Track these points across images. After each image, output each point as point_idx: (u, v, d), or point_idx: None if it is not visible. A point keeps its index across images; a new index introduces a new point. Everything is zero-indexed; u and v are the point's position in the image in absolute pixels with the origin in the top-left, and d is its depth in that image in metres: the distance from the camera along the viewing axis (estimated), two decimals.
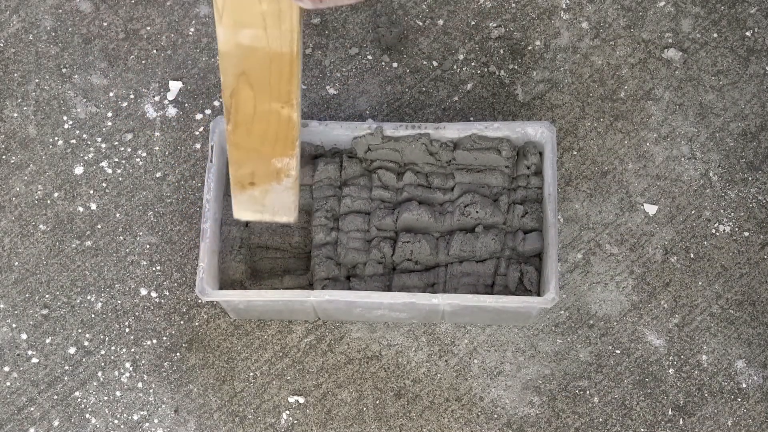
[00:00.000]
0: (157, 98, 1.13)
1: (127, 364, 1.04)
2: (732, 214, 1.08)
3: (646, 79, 1.13)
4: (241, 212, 0.90)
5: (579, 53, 1.14)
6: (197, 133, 1.12)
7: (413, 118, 1.12)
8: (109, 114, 1.13)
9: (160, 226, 1.09)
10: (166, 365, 1.04)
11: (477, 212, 1.01)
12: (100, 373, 1.04)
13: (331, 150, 1.05)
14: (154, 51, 1.15)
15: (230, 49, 0.73)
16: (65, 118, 1.13)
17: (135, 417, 1.03)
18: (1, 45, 1.16)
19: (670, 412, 1.02)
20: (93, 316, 1.06)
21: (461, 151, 1.03)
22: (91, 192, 1.10)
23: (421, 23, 1.16)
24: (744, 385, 1.03)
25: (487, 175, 1.03)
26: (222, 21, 0.70)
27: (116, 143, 1.12)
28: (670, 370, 1.04)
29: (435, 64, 1.14)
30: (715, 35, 1.15)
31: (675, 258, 1.07)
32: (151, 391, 1.04)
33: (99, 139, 1.12)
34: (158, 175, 1.11)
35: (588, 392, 1.03)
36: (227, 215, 1.03)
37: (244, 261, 1.01)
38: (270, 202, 0.89)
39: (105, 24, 1.16)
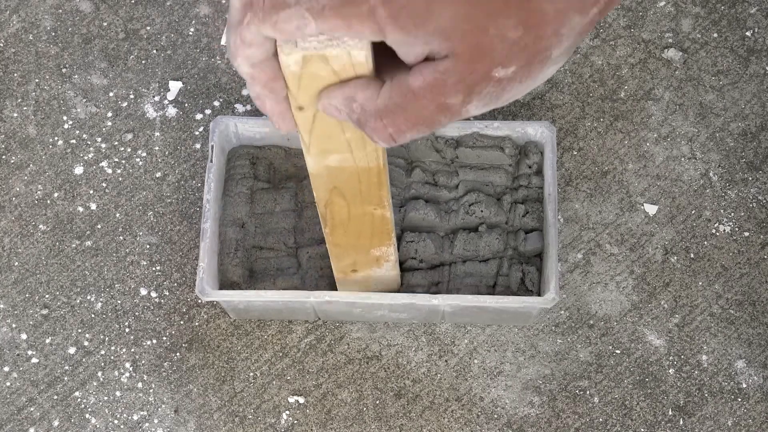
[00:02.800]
0: (157, 98, 1.13)
1: (127, 364, 1.04)
2: (732, 214, 1.08)
3: (646, 79, 1.13)
4: (345, 290, 0.98)
5: (579, 53, 1.14)
6: (197, 133, 1.12)
7: None
8: (109, 114, 1.13)
9: (160, 226, 1.09)
10: (166, 365, 1.04)
11: (481, 211, 1.02)
12: (100, 373, 1.04)
13: None
14: (154, 51, 1.15)
15: (320, 171, 0.76)
16: (65, 118, 1.13)
17: (135, 417, 1.03)
18: (1, 45, 1.16)
19: (670, 412, 1.02)
20: (93, 316, 1.06)
21: (464, 148, 1.03)
22: (91, 192, 1.10)
23: None
24: (744, 385, 1.03)
25: (490, 173, 1.03)
26: (310, 151, 0.73)
27: (116, 143, 1.12)
28: (670, 370, 1.04)
29: None
30: (715, 35, 1.15)
31: (675, 258, 1.07)
32: (151, 391, 1.04)
33: (99, 139, 1.12)
34: (158, 175, 1.11)
35: (588, 392, 1.03)
36: (224, 216, 1.03)
37: (241, 264, 1.01)
38: (374, 282, 0.96)
39: (105, 24, 1.16)
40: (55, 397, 1.04)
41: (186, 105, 1.13)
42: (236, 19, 0.60)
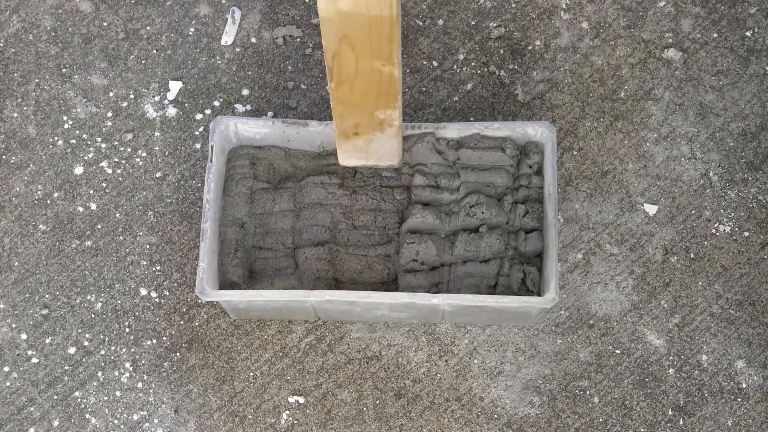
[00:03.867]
0: (157, 98, 1.13)
1: (127, 364, 1.04)
2: (732, 214, 1.08)
3: (646, 79, 1.13)
4: (346, 159, 0.95)
5: (579, 53, 1.14)
6: (197, 133, 1.12)
7: (413, 118, 1.12)
8: (109, 114, 1.13)
9: (160, 226, 1.09)
10: (166, 365, 1.04)
11: (482, 212, 1.01)
12: (100, 373, 1.04)
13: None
14: (154, 51, 1.15)
15: (331, 16, 0.75)
16: (65, 118, 1.13)
17: (135, 417, 1.03)
18: (1, 45, 1.16)
19: (670, 412, 1.02)
20: (93, 316, 1.06)
21: (465, 150, 1.03)
22: (91, 192, 1.10)
23: (421, 23, 1.16)
24: (744, 385, 1.03)
25: (492, 174, 1.03)
26: None
27: (116, 143, 1.12)
28: (670, 370, 1.04)
29: (435, 64, 1.14)
30: (715, 35, 1.15)
31: (675, 258, 1.07)
32: (151, 391, 1.04)
33: (99, 139, 1.12)
34: (158, 175, 1.11)
35: (588, 392, 1.03)
36: (224, 216, 1.03)
37: (241, 264, 1.01)
38: (374, 149, 0.94)
39: (105, 24, 1.16)
40: (55, 397, 1.04)
41: (186, 105, 1.13)
42: None
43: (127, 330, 1.05)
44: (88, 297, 1.06)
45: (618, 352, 1.04)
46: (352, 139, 0.92)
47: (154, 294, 1.07)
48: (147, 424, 1.03)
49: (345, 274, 1.02)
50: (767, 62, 1.14)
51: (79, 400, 1.04)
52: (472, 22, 1.15)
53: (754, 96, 1.13)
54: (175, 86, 1.14)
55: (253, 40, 1.16)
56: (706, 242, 1.08)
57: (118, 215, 1.09)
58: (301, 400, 1.03)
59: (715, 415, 1.02)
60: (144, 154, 1.11)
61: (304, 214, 1.03)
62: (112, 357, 1.05)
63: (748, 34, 1.15)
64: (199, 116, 1.13)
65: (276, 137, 1.04)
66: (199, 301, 1.06)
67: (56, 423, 1.03)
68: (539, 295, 0.99)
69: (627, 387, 1.03)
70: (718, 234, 1.08)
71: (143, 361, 1.04)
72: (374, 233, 1.03)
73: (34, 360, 1.05)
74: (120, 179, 1.10)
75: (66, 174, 1.11)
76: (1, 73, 1.14)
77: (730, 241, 1.08)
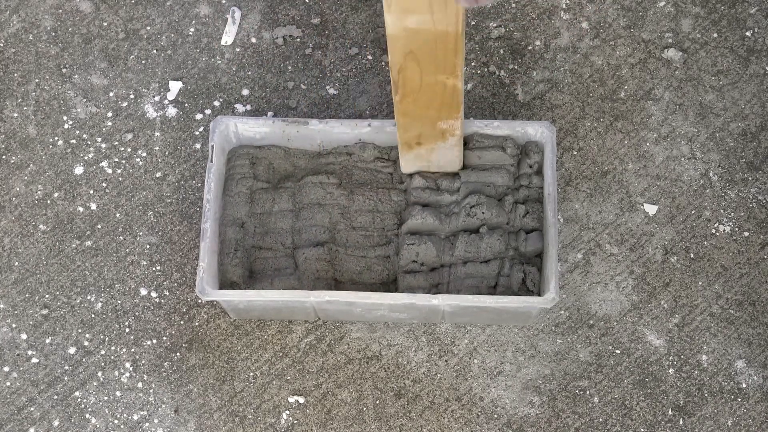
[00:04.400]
0: (157, 98, 1.13)
1: (127, 364, 1.04)
2: (732, 214, 1.08)
3: (646, 79, 1.13)
4: (408, 167, 0.98)
5: (579, 53, 1.14)
6: (197, 133, 1.12)
7: None
8: (109, 114, 1.13)
9: (160, 226, 1.09)
10: (166, 365, 1.04)
11: (483, 213, 1.01)
12: (100, 373, 1.04)
13: (336, 149, 1.05)
14: (154, 51, 1.15)
15: (398, 33, 0.77)
16: (65, 118, 1.13)
17: (135, 417, 1.03)
18: (1, 45, 1.16)
19: (670, 412, 1.02)
20: (93, 316, 1.06)
21: (466, 150, 1.03)
22: (91, 192, 1.10)
23: None
24: (744, 385, 1.03)
25: (492, 174, 1.03)
26: (390, 9, 0.74)
27: (116, 143, 1.12)
28: (670, 370, 1.04)
29: None
30: (715, 35, 1.15)
31: (675, 258, 1.07)
32: (151, 391, 1.04)
33: (99, 139, 1.12)
34: (158, 175, 1.11)
35: (588, 392, 1.03)
36: (224, 216, 1.03)
37: (241, 264, 1.01)
38: (436, 158, 0.96)
39: (105, 24, 1.16)
40: (55, 397, 1.04)
41: (186, 105, 1.13)
42: None
43: (127, 330, 1.05)
44: (88, 297, 1.06)
45: (618, 352, 1.04)
46: (414, 148, 0.94)
47: (154, 294, 1.07)
48: (147, 424, 1.03)
49: (344, 275, 1.02)
50: (767, 62, 1.14)
51: (79, 400, 1.03)
52: (472, 22, 1.15)
53: (754, 96, 1.13)
54: (175, 86, 1.14)
55: (253, 40, 1.16)
56: (706, 242, 1.08)
57: (118, 215, 1.09)
58: (301, 400, 1.03)
59: (715, 415, 1.02)
60: (144, 154, 1.11)
61: (303, 214, 1.03)
62: (112, 357, 1.05)
63: (748, 34, 1.15)
64: (199, 116, 1.13)
65: (276, 136, 1.04)
66: (199, 301, 1.06)
67: (56, 423, 1.03)
68: (539, 296, 0.99)
69: (627, 387, 1.03)
70: (718, 234, 1.08)
71: (143, 361, 1.04)
72: (373, 234, 1.03)
73: (34, 360, 1.05)
74: (120, 179, 1.10)
75: (66, 174, 1.11)
76: (1, 73, 1.14)
77: (730, 241, 1.08)
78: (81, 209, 1.10)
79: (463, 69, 0.81)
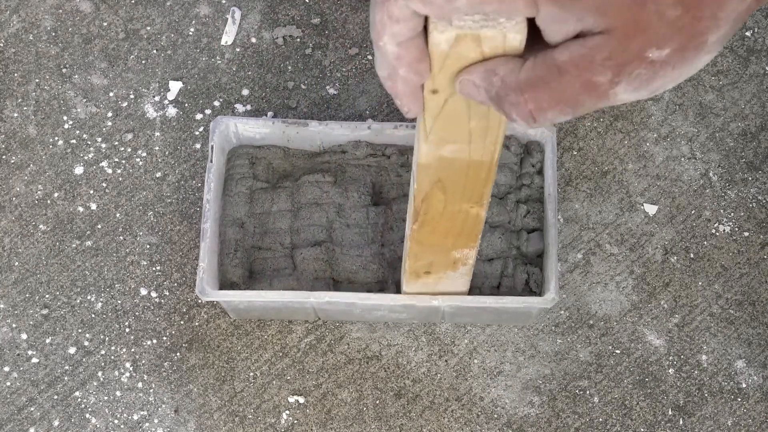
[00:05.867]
0: (157, 98, 1.13)
1: (127, 364, 1.04)
2: (732, 214, 1.09)
3: None
4: (411, 290, 0.95)
5: None
6: (197, 133, 1.12)
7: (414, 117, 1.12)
8: (109, 114, 1.13)
9: (160, 226, 1.09)
10: (166, 365, 1.04)
11: None
12: (100, 373, 1.04)
13: (331, 147, 1.05)
14: (154, 51, 1.15)
15: (431, 162, 0.73)
16: (65, 118, 1.13)
17: (135, 417, 1.03)
18: (1, 45, 1.16)
19: (670, 412, 1.02)
20: (93, 316, 1.06)
21: None
22: (91, 192, 1.10)
23: None
24: (744, 385, 1.03)
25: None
26: (428, 138, 0.70)
27: (116, 143, 1.12)
28: (670, 370, 1.04)
29: None
30: None
31: (675, 258, 1.07)
32: (151, 391, 1.04)
33: (99, 139, 1.12)
34: (158, 175, 1.11)
35: (588, 392, 1.03)
36: (224, 216, 1.03)
37: (241, 264, 1.01)
38: (442, 286, 0.93)
39: (105, 24, 1.16)
40: (56, 397, 1.04)
41: (186, 105, 1.13)
42: None
43: (127, 330, 1.05)
44: (88, 297, 1.06)
45: (618, 352, 1.04)
46: (422, 278, 0.91)
47: (154, 294, 1.07)
48: (147, 424, 1.03)
49: (341, 274, 1.02)
50: (767, 62, 1.14)
51: (79, 400, 1.04)
52: None
53: (754, 96, 1.13)
54: (175, 86, 1.14)
55: (253, 40, 1.16)
56: (706, 242, 1.08)
57: (118, 215, 1.09)
58: (301, 400, 1.03)
59: (715, 415, 1.02)
60: (144, 154, 1.11)
61: (301, 213, 1.03)
62: (112, 357, 1.05)
63: (748, 34, 1.15)
64: (199, 116, 1.13)
65: (276, 137, 1.04)
66: (199, 301, 1.06)
67: (56, 423, 1.03)
68: (540, 296, 1.00)
69: (627, 387, 1.03)
70: (718, 234, 1.08)
71: (143, 361, 1.04)
72: (367, 230, 1.02)
73: (34, 360, 1.05)
74: (120, 179, 1.10)
75: (66, 174, 1.11)
76: (1, 73, 1.14)
77: (730, 241, 1.08)
78: (81, 209, 1.10)
79: (489, 199, 0.77)
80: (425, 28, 0.59)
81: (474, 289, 1.00)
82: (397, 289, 1.00)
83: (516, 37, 0.58)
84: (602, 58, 0.55)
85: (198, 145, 1.12)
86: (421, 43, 0.60)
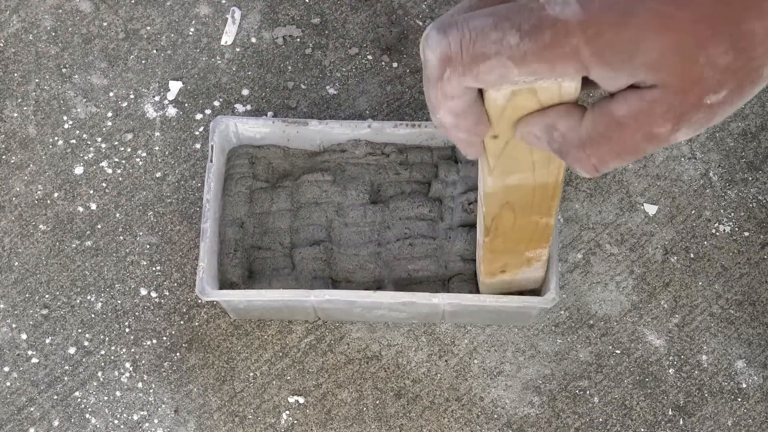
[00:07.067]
0: (157, 98, 1.13)
1: (127, 364, 1.04)
2: (732, 214, 1.09)
3: None
4: (488, 291, 0.96)
5: None
6: (197, 133, 1.12)
7: (413, 117, 1.12)
8: (109, 114, 1.13)
9: (160, 226, 1.09)
10: (166, 365, 1.04)
11: None
12: (100, 373, 1.04)
13: (330, 146, 1.05)
14: (154, 51, 1.15)
15: (497, 191, 0.74)
16: (65, 118, 1.13)
17: (135, 417, 1.03)
18: (1, 45, 1.16)
19: (670, 412, 1.02)
20: (93, 316, 1.06)
21: None
22: (91, 192, 1.10)
23: (421, 23, 1.16)
24: (744, 385, 1.03)
25: None
26: (492, 173, 0.71)
27: (116, 143, 1.12)
28: (670, 370, 1.04)
29: None
30: None
31: (675, 258, 1.07)
32: (151, 391, 1.04)
33: (99, 139, 1.12)
34: (158, 175, 1.11)
35: (588, 392, 1.03)
36: (224, 216, 1.03)
37: (240, 264, 1.01)
38: (518, 281, 0.95)
39: (105, 24, 1.16)
40: (55, 397, 1.04)
41: (186, 105, 1.13)
42: (435, 75, 0.58)
43: (127, 330, 1.05)
44: (88, 297, 1.06)
45: (618, 352, 1.04)
46: (498, 276, 0.93)
47: (154, 294, 1.07)
48: (147, 424, 1.03)
49: (340, 274, 1.02)
50: None
51: (79, 400, 1.04)
52: None
53: (754, 96, 1.13)
54: (175, 86, 1.14)
55: (253, 40, 1.16)
56: (706, 242, 1.08)
57: (118, 215, 1.09)
58: (301, 400, 1.03)
59: (715, 415, 1.02)
60: (144, 154, 1.11)
61: (301, 213, 1.03)
62: (112, 357, 1.05)
63: None
64: (199, 116, 1.13)
65: (276, 137, 1.04)
66: (199, 301, 1.06)
67: (56, 423, 1.03)
68: (540, 296, 0.99)
69: (627, 387, 1.03)
70: (718, 234, 1.08)
71: (143, 361, 1.04)
72: (364, 230, 1.02)
73: (34, 360, 1.05)
74: (120, 179, 1.10)
75: (66, 174, 1.11)
76: (1, 73, 1.14)
77: (730, 241, 1.08)
78: (81, 209, 1.10)
79: (558, 208, 0.79)
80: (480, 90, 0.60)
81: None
82: (395, 289, 1.00)
83: (571, 85, 0.60)
84: (662, 111, 0.56)
85: (198, 145, 1.12)
86: (478, 109, 0.61)
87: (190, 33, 1.16)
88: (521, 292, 0.98)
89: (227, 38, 1.16)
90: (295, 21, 1.16)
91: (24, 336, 1.06)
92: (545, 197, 0.76)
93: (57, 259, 1.08)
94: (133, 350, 1.05)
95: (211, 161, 1.01)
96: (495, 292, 0.97)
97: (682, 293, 1.06)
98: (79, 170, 1.11)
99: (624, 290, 1.06)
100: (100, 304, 1.06)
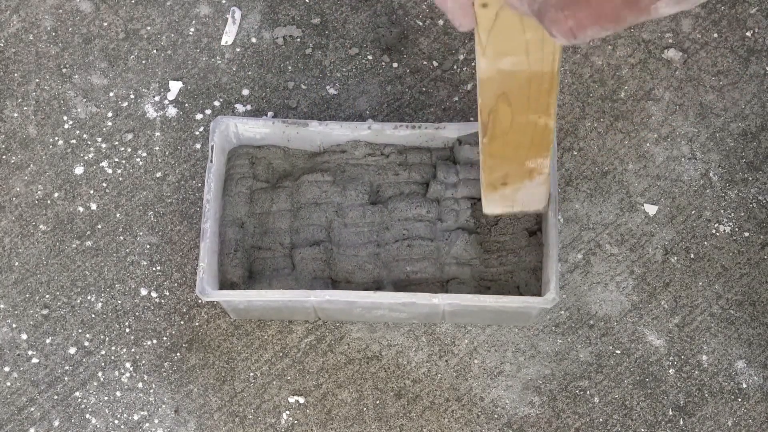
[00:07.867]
0: (157, 98, 1.13)
1: (128, 364, 1.04)
2: (732, 214, 1.09)
3: (646, 79, 1.13)
4: (492, 208, 0.94)
5: (579, 53, 1.14)
6: (197, 133, 1.12)
7: (413, 118, 1.12)
8: (109, 114, 1.13)
9: (160, 226, 1.09)
10: (166, 365, 1.04)
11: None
12: (100, 373, 1.04)
13: (330, 147, 1.05)
14: (154, 51, 1.15)
15: (491, 75, 0.74)
16: (65, 118, 1.13)
17: (135, 417, 1.03)
18: (1, 45, 1.16)
19: (670, 412, 1.02)
20: (93, 316, 1.06)
21: (465, 146, 1.03)
22: (91, 192, 1.10)
23: (421, 23, 1.16)
24: (744, 385, 1.03)
25: None
26: (485, 52, 0.71)
27: (116, 143, 1.12)
28: (670, 370, 1.04)
29: (435, 64, 1.14)
30: (716, 35, 1.15)
31: (675, 258, 1.07)
32: (152, 391, 1.04)
33: (99, 139, 1.12)
34: (158, 175, 1.11)
35: (588, 392, 1.03)
36: (224, 216, 1.03)
37: (240, 264, 1.01)
38: (521, 197, 0.93)
39: (105, 24, 1.16)
40: (56, 397, 1.04)
41: (186, 105, 1.13)
42: None
43: (128, 330, 1.05)
44: (89, 297, 1.06)
45: (618, 352, 1.04)
46: (499, 189, 0.91)
47: (154, 294, 1.07)
48: (147, 424, 1.03)
49: (339, 274, 1.02)
50: (767, 62, 1.14)
51: (79, 400, 1.04)
52: None
53: (754, 96, 1.13)
54: (175, 86, 1.14)
55: (253, 40, 1.16)
56: (706, 242, 1.08)
57: (118, 215, 1.09)
58: (302, 400, 1.03)
59: (715, 415, 1.02)
60: (144, 154, 1.11)
61: (301, 213, 1.03)
62: (113, 357, 1.05)
63: (748, 34, 1.15)
64: (199, 116, 1.13)
65: (276, 137, 1.04)
66: (199, 301, 1.06)
67: (56, 423, 1.03)
68: (540, 296, 0.99)
69: (627, 387, 1.03)
70: (718, 234, 1.08)
71: (143, 361, 1.04)
72: (363, 230, 1.02)
73: (35, 360, 1.05)
74: (120, 179, 1.10)
75: (66, 174, 1.11)
76: (1, 73, 1.14)
77: (730, 241, 1.08)
78: (81, 209, 1.10)
79: (555, 108, 0.78)
80: None
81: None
82: (394, 290, 1.00)
83: None
84: None
85: (198, 145, 1.12)
86: None
87: (190, 33, 1.16)
88: (526, 233, 0.97)
89: (227, 38, 1.16)
90: (296, 21, 1.16)
91: (24, 336, 1.06)
92: (541, 90, 0.76)
93: (57, 259, 1.08)
94: (133, 350, 1.05)
95: (212, 161, 1.01)
96: (497, 211, 0.95)
97: (682, 293, 1.06)
98: (79, 170, 1.11)
99: (624, 290, 1.06)
100: (100, 304, 1.06)
